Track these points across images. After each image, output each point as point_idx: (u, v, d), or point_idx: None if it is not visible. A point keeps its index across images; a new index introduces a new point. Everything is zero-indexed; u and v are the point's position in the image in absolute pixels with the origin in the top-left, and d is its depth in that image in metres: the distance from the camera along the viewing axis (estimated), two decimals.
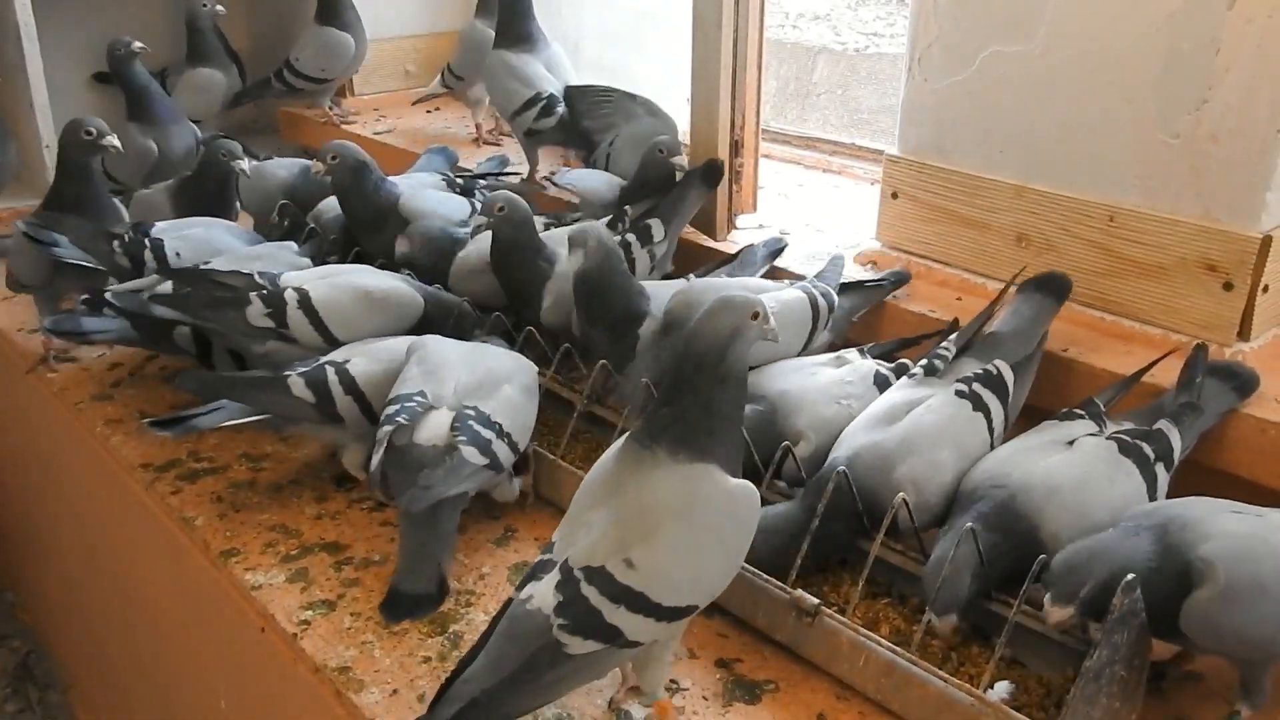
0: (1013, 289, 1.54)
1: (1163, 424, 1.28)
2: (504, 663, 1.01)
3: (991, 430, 1.33)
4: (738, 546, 1.08)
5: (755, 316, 1.08)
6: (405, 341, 1.60)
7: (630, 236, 1.78)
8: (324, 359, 1.53)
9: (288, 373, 1.49)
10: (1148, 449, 1.24)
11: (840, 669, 1.18)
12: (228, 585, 1.43)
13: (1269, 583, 1.03)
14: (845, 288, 1.68)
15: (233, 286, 1.65)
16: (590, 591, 1.02)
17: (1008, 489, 1.19)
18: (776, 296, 1.56)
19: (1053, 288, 1.52)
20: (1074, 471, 1.20)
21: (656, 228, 1.80)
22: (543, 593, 1.03)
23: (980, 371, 1.37)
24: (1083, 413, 1.33)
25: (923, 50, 1.71)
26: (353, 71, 2.87)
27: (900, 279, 1.73)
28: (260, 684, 1.49)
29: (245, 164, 2.09)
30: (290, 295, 1.65)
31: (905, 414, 1.32)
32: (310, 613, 1.33)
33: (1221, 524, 1.06)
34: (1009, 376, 1.37)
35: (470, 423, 1.36)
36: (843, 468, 1.24)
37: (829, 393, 1.42)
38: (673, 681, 1.20)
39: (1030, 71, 1.59)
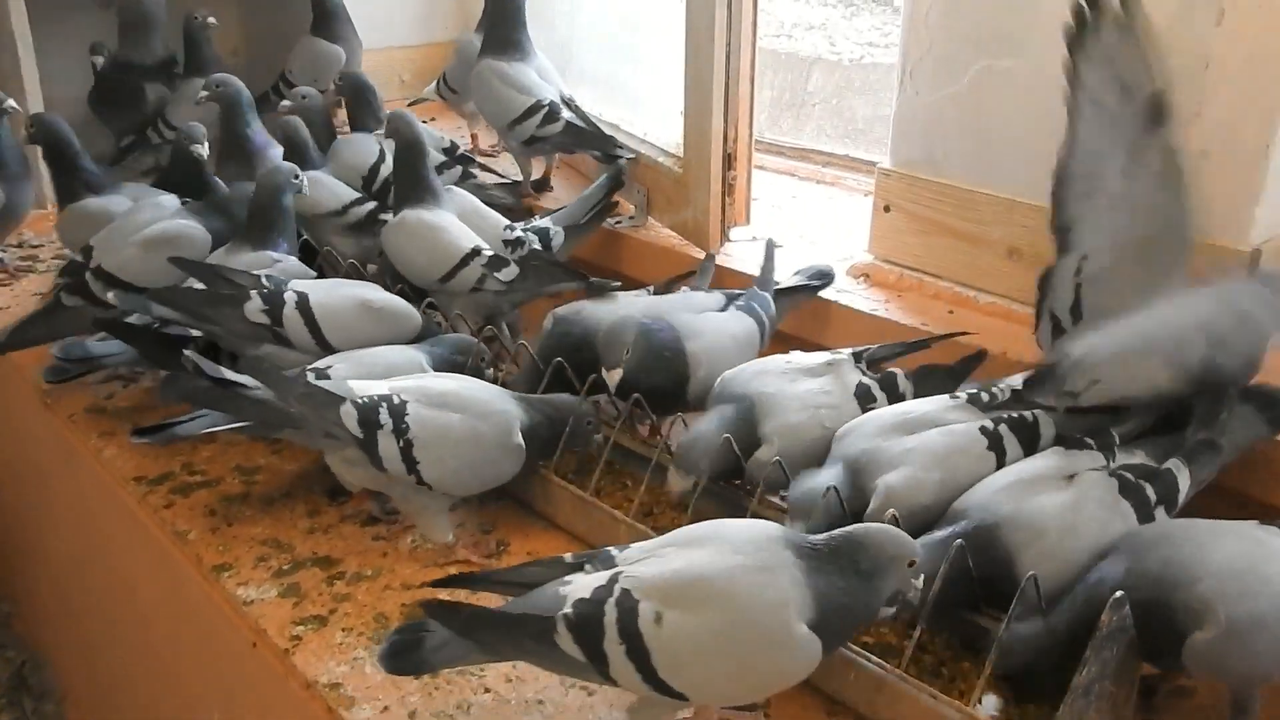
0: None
1: (1173, 463, 1.23)
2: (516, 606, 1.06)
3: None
4: (763, 685, 1.06)
5: (911, 564, 1.03)
6: (397, 352, 1.60)
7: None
8: (308, 367, 1.53)
9: None
10: (1150, 491, 1.20)
11: (830, 685, 1.18)
12: (220, 600, 1.43)
13: (1268, 616, 1.03)
14: (779, 293, 1.70)
15: (237, 284, 1.67)
16: (611, 610, 1.00)
17: (995, 517, 1.17)
18: (731, 332, 1.58)
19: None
20: (1065, 517, 1.17)
21: None
22: (583, 584, 1.04)
23: (1017, 415, 1.32)
24: (1092, 443, 1.27)
25: (914, 63, 1.72)
26: None
27: (824, 275, 1.74)
28: (252, 699, 1.49)
29: (204, 149, 2.09)
30: (289, 295, 1.66)
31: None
32: (302, 628, 1.33)
33: (1213, 557, 1.06)
34: (1048, 430, 1.32)
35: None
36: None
37: (804, 400, 1.41)
38: None
39: (1022, 86, 1.59)
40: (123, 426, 1.80)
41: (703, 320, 1.61)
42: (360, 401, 1.36)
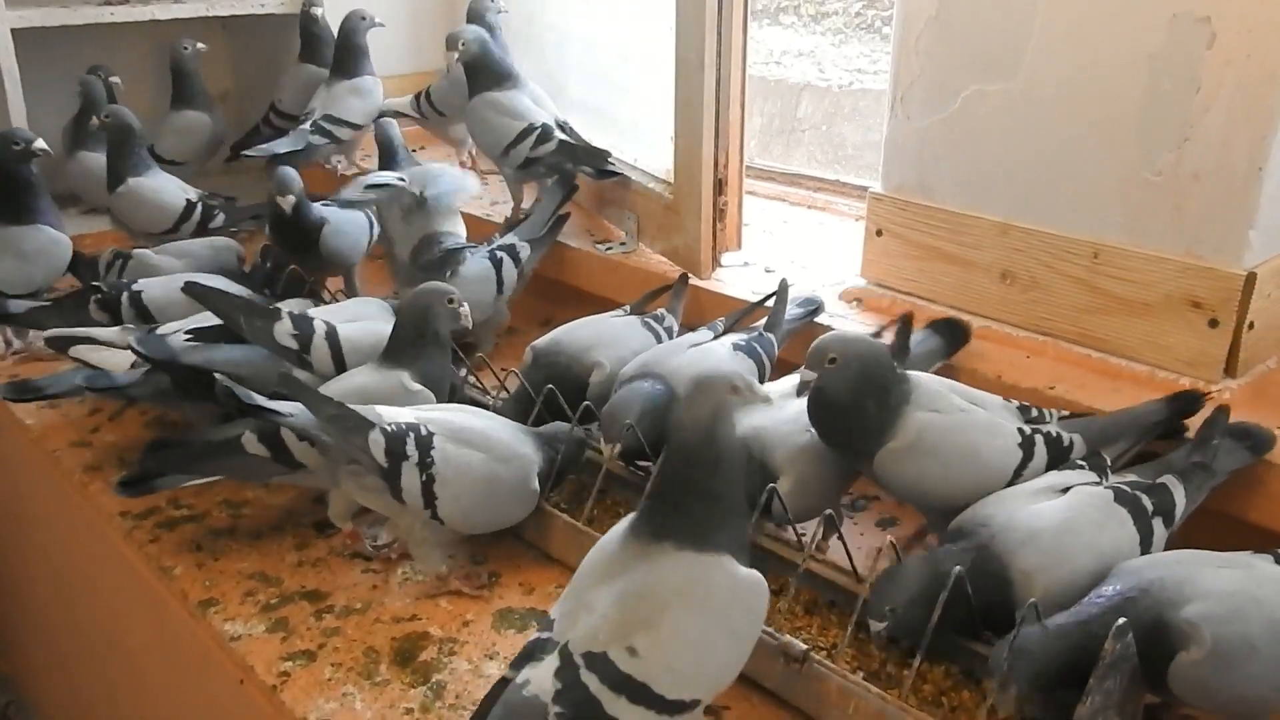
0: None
1: (1168, 479, 1.25)
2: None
3: (1018, 478, 1.30)
4: (748, 637, 1.05)
5: (734, 391, 1.05)
6: (376, 375, 1.58)
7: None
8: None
9: (239, 431, 1.47)
10: (1146, 501, 1.21)
11: (830, 717, 1.15)
12: (206, 636, 1.40)
13: (1259, 642, 1.01)
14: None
15: (267, 311, 1.68)
16: (590, 679, 0.98)
17: (990, 529, 1.17)
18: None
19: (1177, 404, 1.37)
20: (1060, 516, 1.18)
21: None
22: (540, 679, 0.99)
23: (1054, 434, 1.32)
24: (1084, 464, 1.29)
25: (905, 89, 1.71)
26: None
27: (813, 304, 1.76)
28: None
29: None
30: (319, 325, 1.67)
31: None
32: (290, 664, 1.31)
33: (1207, 583, 1.04)
34: (1079, 449, 1.33)
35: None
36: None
37: (800, 423, 1.40)
38: None
39: (1012, 110, 1.59)
40: (108, 461, 1.78)
41: (699, 366, 1.55)
42: (388, 429, 1.33)
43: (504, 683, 1.03)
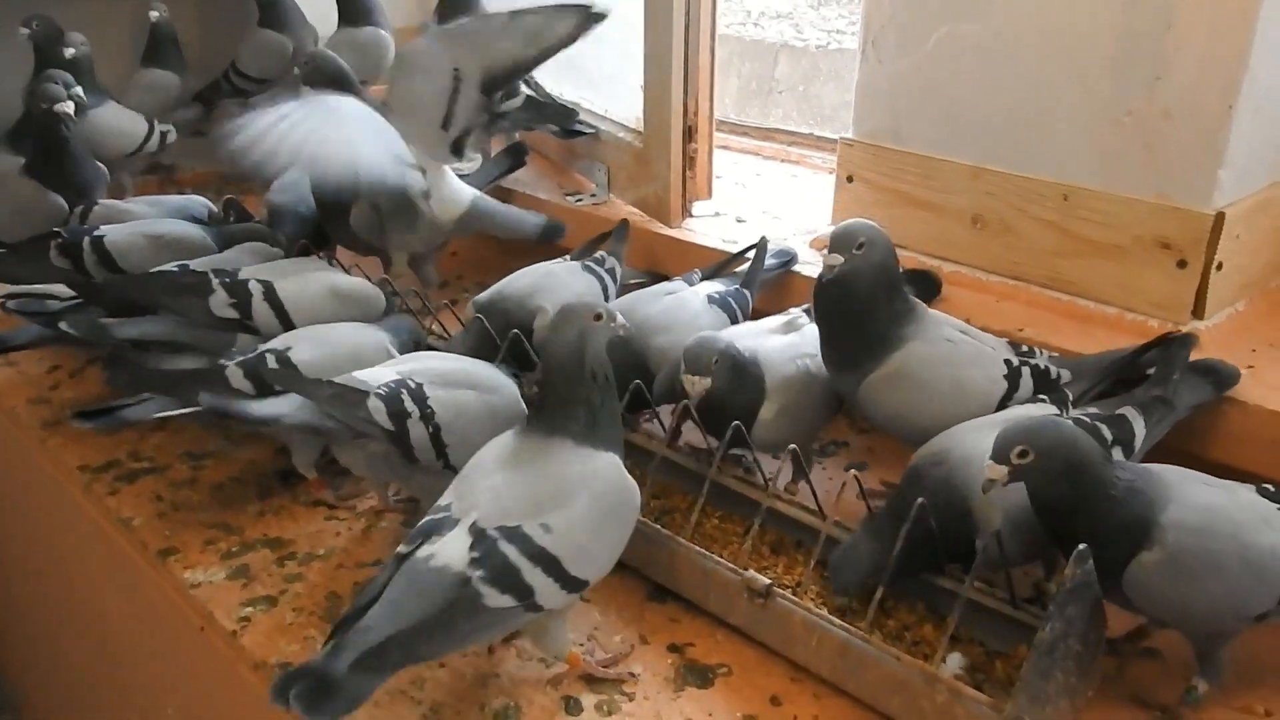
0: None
1: (1127, 410, 1.24)
2: (405, 614, 1.00)
3: (1005, 405, 1.30)
4: (628, 531, 1.14)
5: (598, 318, 1.15)
6: (359, 330, 1.56)
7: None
8: (264, 346, 1.49)
9: (224, 362, 1.44)
10: (1106, 431, 1.21)
11: (794, 651, 1.15)
12: (166, 585, 1.39)
13: (1222, 559, 1.01)
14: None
15: (198, 274, 1.63)
16: (509, 549, 1.04)
17: (946, 465, 1.15)
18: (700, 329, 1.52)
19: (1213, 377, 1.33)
20: None
21: None
22: (448, 552, 1.04)
23: (1042, 366, 1.33)
24: (1045, 398, 1.30)
25: (876, 32, 1.69)
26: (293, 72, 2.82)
27: (787, 255, 1.74)
28: (204, 687, 1.44)
29: (69, 106, 2.07)
30: (255, 286, 1.62)
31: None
32: (250, 609, 1.29)
33: (1189, 494, 1.04)
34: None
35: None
36: None
37: (788, 353, 1.39)
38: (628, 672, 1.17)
39: (984, 52, 1.57)
40: (67, 417, 1.74)
41: (673, 317, 1.55)
42: (383, 392, 1.30)
43: (400, 559, 1.05)
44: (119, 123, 2.48)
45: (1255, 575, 1.02)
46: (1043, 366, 1.33)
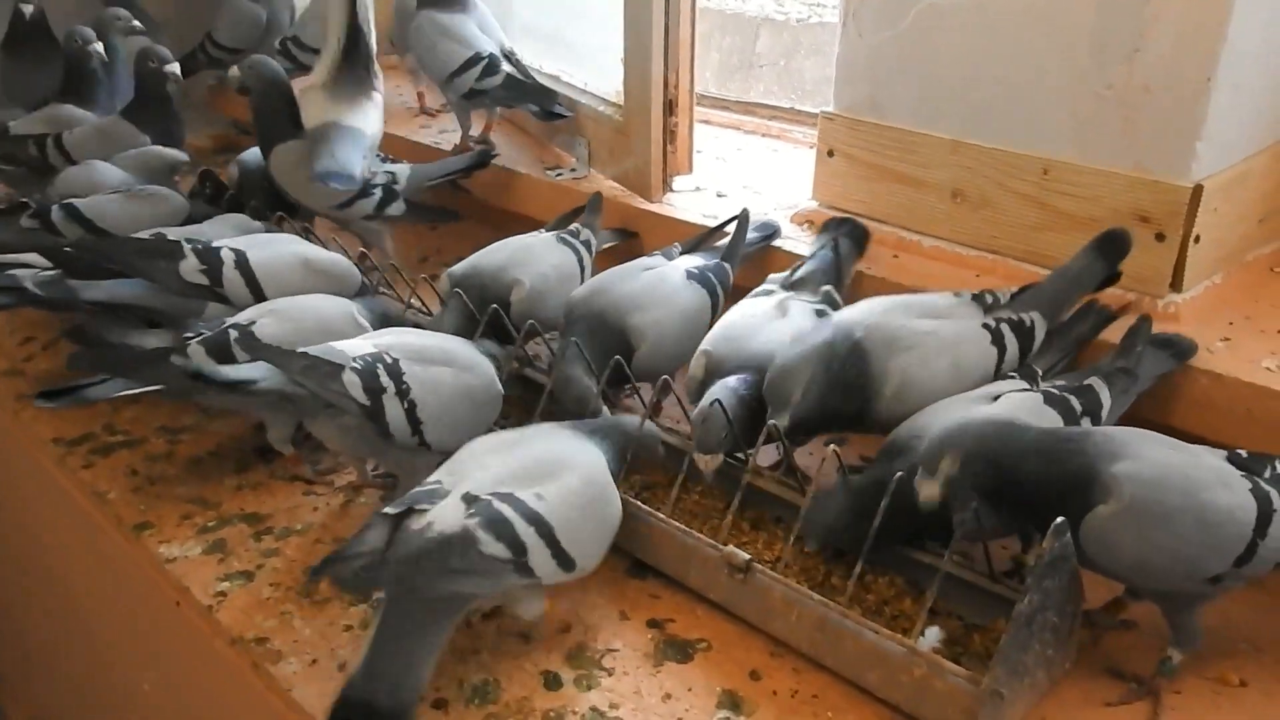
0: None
1: (1093, 380, 1.26)
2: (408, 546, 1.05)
3: (999, 371, 1.32)
4: (611, 531, 1.17)
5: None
6: (328, 303, 1.54)
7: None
8: (229, 320, 1.47)
9: (188, 336, 1.42)
10: (1075, 402, 1.22)
11: (774, 626, 1.15)
12: (142, 560, 1.38)
13: (1175, 514, 1.01)
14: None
15: (169, 242, 1.61)
16: (504, 508, 1.07)
17: (924, 439, 1.15)
18: (680, 306, 1.52)
19: (1106, 248, 1.40)
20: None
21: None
22: (445, 518, 1.06)
23: (1015, 318, 1.35)
24: (1015, 374, 1.31)
25: (856, 5, 1.68)
26: (271, 42, 2.79)
27: (769, 228, 1.74)
28: (180, 662, 1.44)
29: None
30: (227, 254, 1.60)
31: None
32: (227, 584, 1.28)
33: (1146, 450, 1.05)
34: (1040, 333, 1.35)
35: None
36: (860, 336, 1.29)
37: (785, 335, 1.38)
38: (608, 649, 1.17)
39: (965, 24, 1.56)
40: (41, 389, 1.73)
41: (651, 293, 1.53)
42: (358, 366, 1.28)
43: (386, 519, 1.07)
44: None
45: (1210, 534, 1.02)
46: (1015, 319, 1.35)
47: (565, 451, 1.17)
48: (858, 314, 1.35)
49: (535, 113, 2.12)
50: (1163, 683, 1.09)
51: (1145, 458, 1.03)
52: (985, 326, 1.33)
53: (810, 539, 1.19)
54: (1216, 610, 1.11)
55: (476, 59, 2.14)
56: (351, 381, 1.26)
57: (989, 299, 1.37)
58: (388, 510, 1.07)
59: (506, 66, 2.14)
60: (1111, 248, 1.40)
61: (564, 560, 1.09)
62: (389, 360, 1.30)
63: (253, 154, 2.06)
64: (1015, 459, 1.05)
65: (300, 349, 1.29)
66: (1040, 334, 1.35)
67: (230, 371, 1.30)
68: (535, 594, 1.13)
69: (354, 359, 1.29)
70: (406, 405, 1.28)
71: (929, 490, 1.06)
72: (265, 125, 1.94)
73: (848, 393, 1.28)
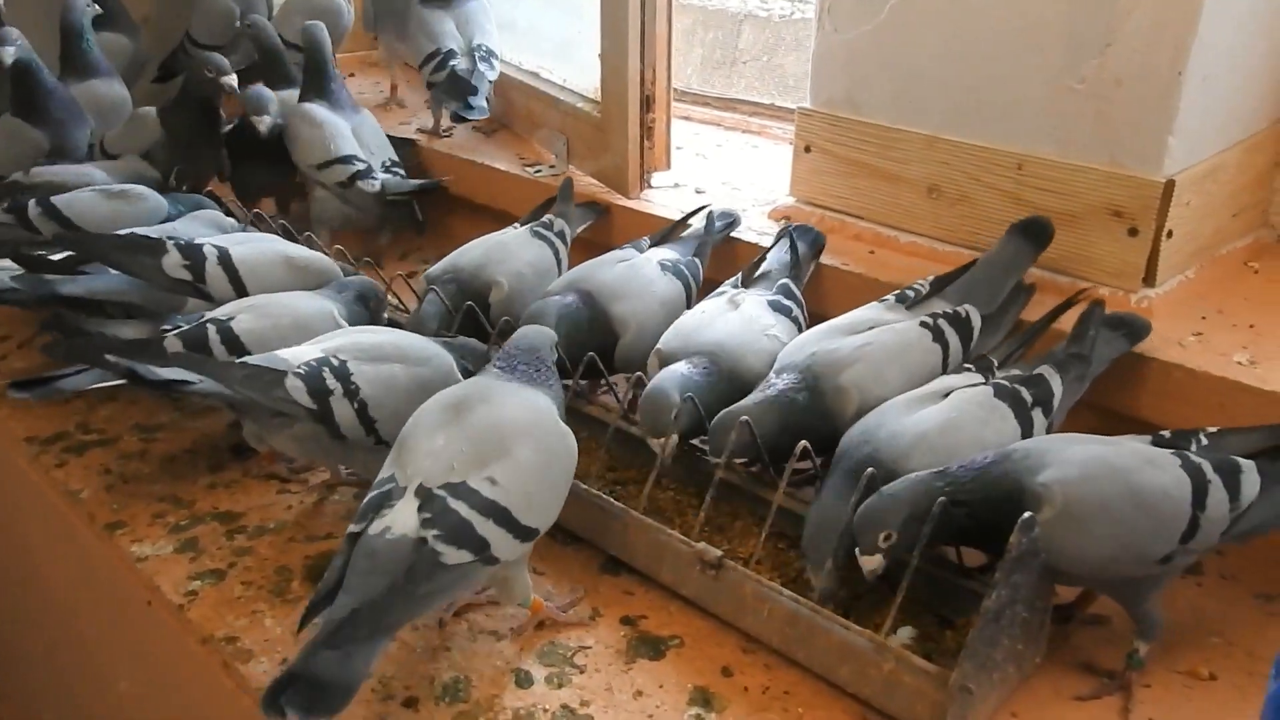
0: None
1: (1044, 369, 1.26)
2: (370, 587, 0.99)
3: (946, 365, 1.34)
4: (569, 478, 1.16)
5: None
6: (305, 299, 1.54)
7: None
8: (207, 315, 1.46)
9: (165, 329, 1.41)
10: (1025, 394, 1.22)
11: (746, 622, 1.15)
12: (114, 559, 1.37)
13: (1110, 502, 1.02)
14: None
15: (151, 239, 1.60)
16: (459, 505, 1.04)
17: (873, 444, 1.16)
18: (660, 296, 1.54)
19: (1033, 234, 1.45)
20: (942, 417, 1.18)
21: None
22: (402, 521, 1.03)
23: (950, 311, 1.37)
24: (970, 366, 1.30)
25: (831, 1, 1.68)
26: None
27: (729, 217, 1.75)
28: (153, 661, 1.43)
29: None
30: (210, 251, 1.60)
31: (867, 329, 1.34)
32: (198, 583, 1.28)
33: (1065, 453, 1.05)
34: (976, 321, 1.37)
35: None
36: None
37: (752, 330, 1.39)
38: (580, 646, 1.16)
39: (939, 19, 1.56)
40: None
41: (629, 283, 1.54)
42: (302, 371, 1.27)
43: (353, 538, 1.04)
44: (111, 93, 2.43)
45: (1150, 516, 1.03)
46: (950, 311, 1.37)
47: (513, 413, 1.13)
48: (799, 355, 1.32)
49: (455, 109, 2.15)
50: (1133, 676, 1.09)
51: (1067, 459, 1.04)
52: (924, 325, 1.34)
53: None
54: (1186, 604, 1.12)
55: (435, 54, 2.19)
56: (295, 386, 1.25)
57: (910, 294, 1.39)
58: (352, 529, 1.05)
59: (457, 62, 2.16)
60: (1036, 230, 1.44)
61: (525, 534, 1.09)
62: (336, 362, 1.29)
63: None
64: (945, 505, 1.04)
65: (239, 360, 1.30)
66: (977, 324, 1.37)
67: (166, 371, 1.27)
68: (516, 573, 1.12)
69: (298, 365, 1.28)
70: (357, 405, 1.28)
71: (872, 565, 1.06)
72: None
73: (817, 425, 1.26)
